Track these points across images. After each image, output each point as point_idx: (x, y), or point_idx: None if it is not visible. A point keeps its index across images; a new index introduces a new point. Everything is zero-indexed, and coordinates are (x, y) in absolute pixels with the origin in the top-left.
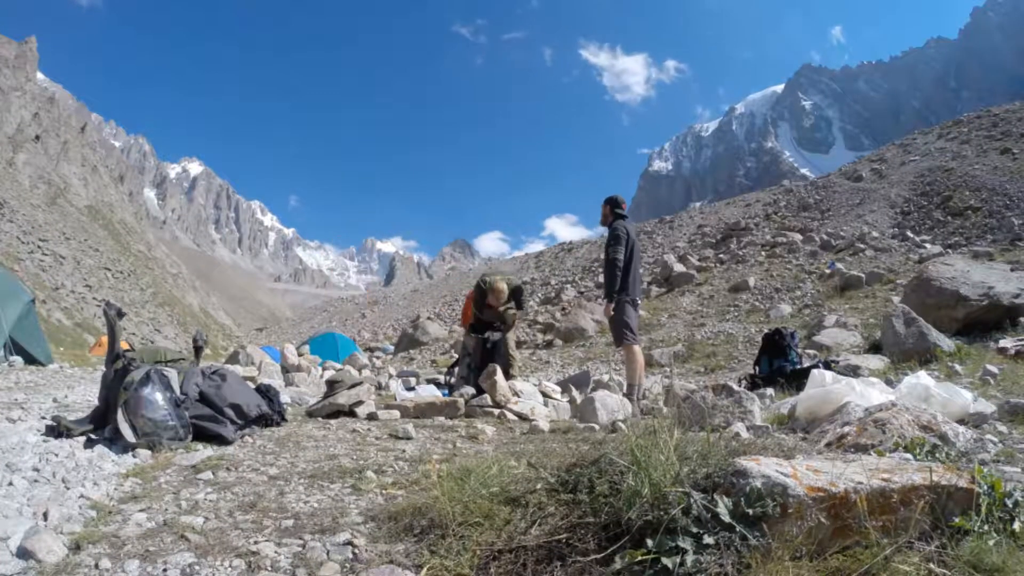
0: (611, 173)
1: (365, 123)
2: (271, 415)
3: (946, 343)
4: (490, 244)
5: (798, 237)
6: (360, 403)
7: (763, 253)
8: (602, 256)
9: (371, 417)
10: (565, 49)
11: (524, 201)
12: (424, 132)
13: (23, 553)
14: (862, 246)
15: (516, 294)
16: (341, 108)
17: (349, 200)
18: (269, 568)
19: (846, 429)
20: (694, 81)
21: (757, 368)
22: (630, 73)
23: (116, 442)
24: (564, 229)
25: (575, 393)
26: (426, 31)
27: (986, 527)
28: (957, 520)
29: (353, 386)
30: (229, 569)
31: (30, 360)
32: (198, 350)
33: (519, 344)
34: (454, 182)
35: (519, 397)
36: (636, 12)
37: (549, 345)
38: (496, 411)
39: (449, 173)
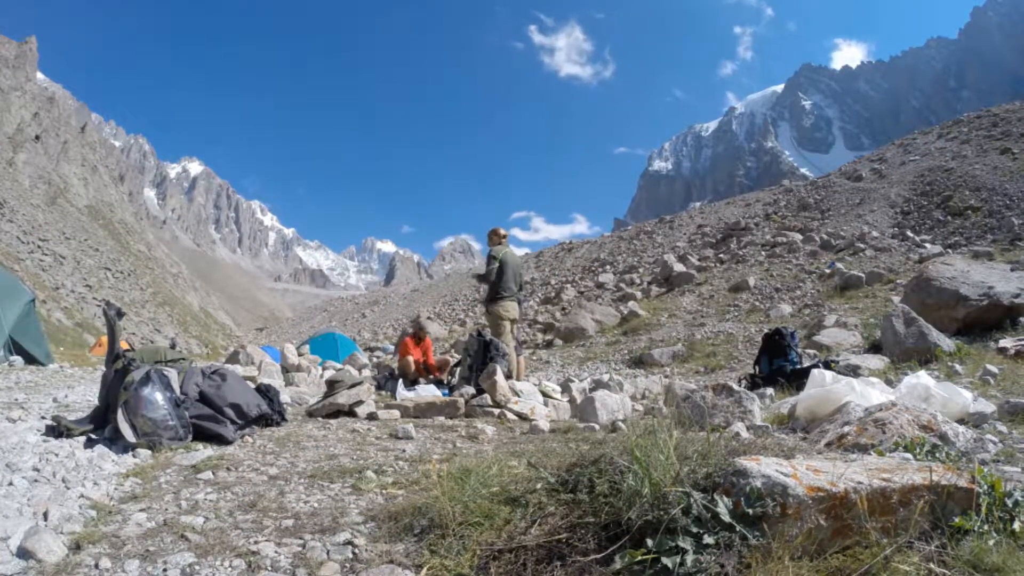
0: (580, 168)
1: (343, 125)
2: (271, 415)
3: (946, 343)
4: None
5: (798, 237)
6: (360, 403)
7: (763, 253)
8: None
9: (371, 417)
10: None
11: (489, 203)
12: (383, 137)
13: (23, 553)
14: (862, 246)
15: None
16: (341, 108)
17: (320, 202)
18: (269, 568)
19: (846, 429)
20: (662, 74)
21: (757, 368)
22: (580, 55)
23: (116, 442)
24: (522, 234)
25: (575, 393)
26: (421, 31)
27: (986, 527)
28: (957, 520)
29: (353, 386)
30: (229, 569)
31: (30, 360)
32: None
33: (519, 343)
34: (414, 186)
35: (519, 397)
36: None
37: (549, 345)
38: (496, 411)
39: (403, 175)
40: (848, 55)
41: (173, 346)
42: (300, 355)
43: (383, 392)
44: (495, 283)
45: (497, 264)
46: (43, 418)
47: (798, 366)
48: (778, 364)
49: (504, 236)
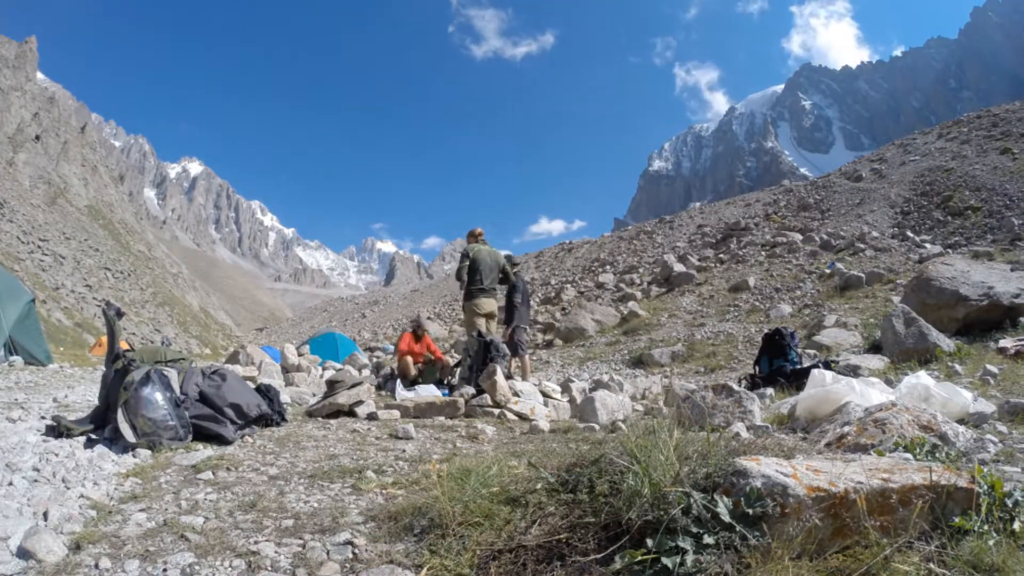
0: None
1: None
2: (271, 415)
3: (946, 343)
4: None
5: (798, 237)
6: (360, 403)
7: (763, 253)
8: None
9: (371, 417)
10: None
11: (461, 204)
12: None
13: (23, 553)
14: (862, 246)
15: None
16: (340, 109)
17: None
18: (269, 568)
19: (846, 429)
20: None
21: (757, 368)
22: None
23: (116, 442)
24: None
25: (575, 393)
26: (417, 32)
27: (986, 527)
28: (957, 520)
29: (353, 386)
30: (229, 569)
31: (30, 360)
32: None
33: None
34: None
35: (519, 397)
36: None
37: (549, 345)
38: (496, 411)
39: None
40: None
41: (163, 343)
42: (300, 355)
43: (383, 392)
44: (468, 280)
45: (468, 262)
46: (43, 418)
47: (798, 366)
48: (778, 364)
49: (479, 235)
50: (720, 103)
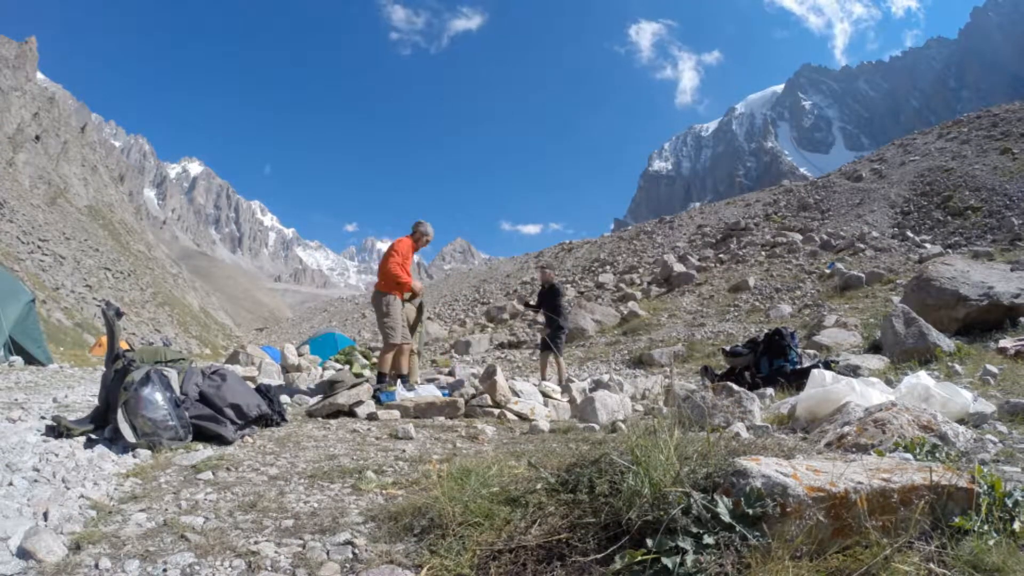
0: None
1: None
2: (271, 415)
3: (946, 343)
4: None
5: (798, 237)
6: (360, 403)
7: (763, 253)
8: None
9: (371, 417)
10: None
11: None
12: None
13: (23, 553)
14: (862, 246)
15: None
16: (340, 109)
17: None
18: (269, 568)
19: (846, 429)
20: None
21: (757, 368)
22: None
23: (116, 442)
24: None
25: (575, 393)
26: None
27: (986, 527)
28: (957, 520)
29: (353, 386)
30: (229, 569)
31: (30, 360)
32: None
33: (518, 344)
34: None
35: (519, 397)
36: None
37: None
38: (496, 411)
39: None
40: None
41: (163, 343)
42: (300, 355)
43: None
44: None
45: None
46: (43, 418)
47: (798, 366)
48: (778, 364)
49: None
50: (686, 63)
